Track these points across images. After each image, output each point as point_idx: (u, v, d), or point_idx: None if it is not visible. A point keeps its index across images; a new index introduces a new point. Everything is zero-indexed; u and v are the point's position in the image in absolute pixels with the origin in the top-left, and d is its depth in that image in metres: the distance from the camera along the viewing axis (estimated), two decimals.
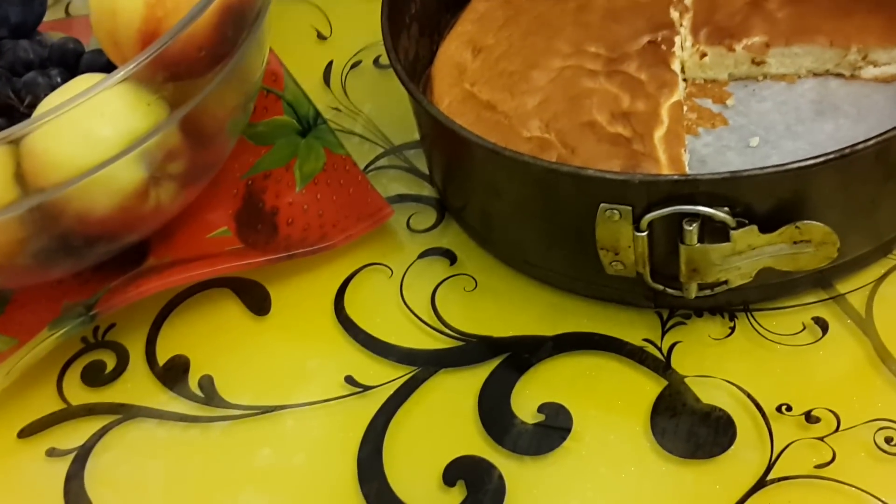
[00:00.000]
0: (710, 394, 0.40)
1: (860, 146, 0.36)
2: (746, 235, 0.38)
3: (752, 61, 0.50)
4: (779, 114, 0.48)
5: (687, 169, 0.45)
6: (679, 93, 0.48)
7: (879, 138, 0.37)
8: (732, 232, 0.38)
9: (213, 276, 0.48)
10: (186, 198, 0.49)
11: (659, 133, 0.46)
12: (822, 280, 0.43)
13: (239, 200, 0.52)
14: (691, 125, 0.49)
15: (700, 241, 0.39)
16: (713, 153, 0.48)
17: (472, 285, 0.47)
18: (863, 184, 0.39)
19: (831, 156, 0.36)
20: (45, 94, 0.45)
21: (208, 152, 0.50)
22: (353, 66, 0.61)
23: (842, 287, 0.43)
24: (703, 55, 0.50)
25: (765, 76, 0.50)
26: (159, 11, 0.44)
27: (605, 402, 0.41)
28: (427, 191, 0.52)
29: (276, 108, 0.56)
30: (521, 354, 0.43)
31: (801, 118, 0.48)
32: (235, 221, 0.51)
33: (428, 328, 0.45)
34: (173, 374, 0.46)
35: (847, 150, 0.36)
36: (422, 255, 0.49)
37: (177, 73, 0.42)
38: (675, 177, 0.38)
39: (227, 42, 0.44)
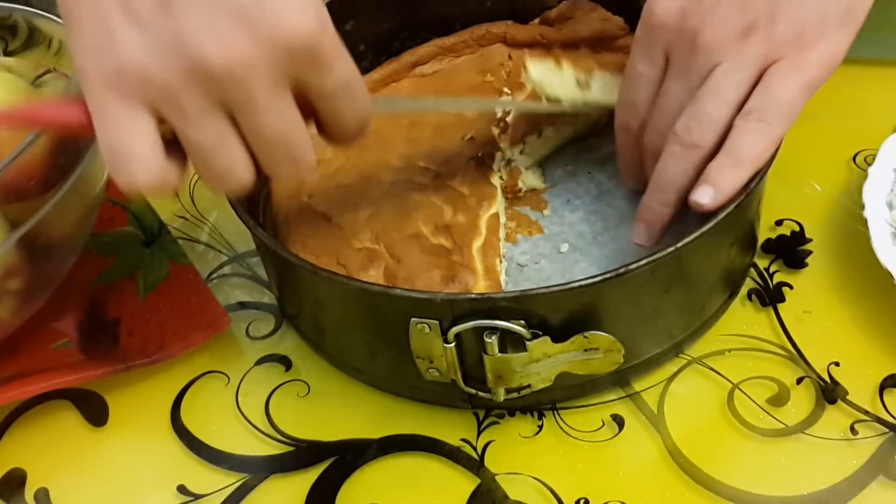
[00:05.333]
0: (518, 490, 0.44)
1: (633, 266, 0.41)
2: (541, 345, 0.42)
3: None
4: (587, 223, 0.53)
5: (503, 277, 0.49)
6: (497, 205, 0.52)
7: (650, 258, 0.41)
8: (528, 342, 0.42)
9: (51, 390, 0.49)
10: (27, 312, 0.50)
11: (477, 244, 0.50)
12: (620, 379, 0.47)
13: (83, 310, 0.54)
14: (511, 233, 0.54)
15: (503, 350, 0.42)
16: (529, 261, 0.52)
17: (306, 391, 0.49)
18: (642, 297, 0.43)
19: (608, 275, 0.41)
20: None
21: (49, 266, 0.51)
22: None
23: (637, 385, 0.47)
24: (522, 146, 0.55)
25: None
26: None
27: (424, 502, 0.44)
28: (267, 298, 0.54)
29: (121, 219, 0.58)
30: (347, 458, 0.46)
31: (607, 226, 0.53)
32: (78, 332, 0.53)
33: (261, 434, 0.47)
34: (10, 488, 0.47)
35: (622, 270, 0.41)
36: (259, 362, 0.51)
37: (8, 199, 0.44)
38: (473, 295, 0.42)
39: (59, 168, 0.46)
